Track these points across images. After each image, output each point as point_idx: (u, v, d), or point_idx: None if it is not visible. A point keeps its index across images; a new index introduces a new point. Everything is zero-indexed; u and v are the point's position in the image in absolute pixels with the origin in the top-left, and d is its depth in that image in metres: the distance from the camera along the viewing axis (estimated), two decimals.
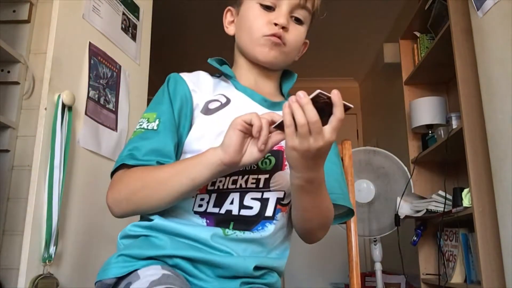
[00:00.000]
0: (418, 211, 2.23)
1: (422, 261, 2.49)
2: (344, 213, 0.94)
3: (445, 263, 2.24)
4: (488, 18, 1.57)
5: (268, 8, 0.89)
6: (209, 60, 0.97)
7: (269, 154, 0.83)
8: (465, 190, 1.95)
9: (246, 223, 0.81)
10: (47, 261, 1.27)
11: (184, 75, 0.91)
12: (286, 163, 0.81)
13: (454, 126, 2.14)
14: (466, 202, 1.91)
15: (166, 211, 0.81)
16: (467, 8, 1.74)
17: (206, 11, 3.22)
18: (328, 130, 0.66)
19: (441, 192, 2.11)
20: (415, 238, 2.44)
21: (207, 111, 0.86)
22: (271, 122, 0.72)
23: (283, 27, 0.87)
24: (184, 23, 3.61)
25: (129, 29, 1.83)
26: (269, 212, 0.82)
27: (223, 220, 0.80)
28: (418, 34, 2.58)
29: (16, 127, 1.37)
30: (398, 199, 2.32)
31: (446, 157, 2.17)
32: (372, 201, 2.47)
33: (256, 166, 0.82)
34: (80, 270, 1.42)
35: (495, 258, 1.73)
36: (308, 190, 0.76)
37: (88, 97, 1.51)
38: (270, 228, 0.82)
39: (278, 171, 0.83)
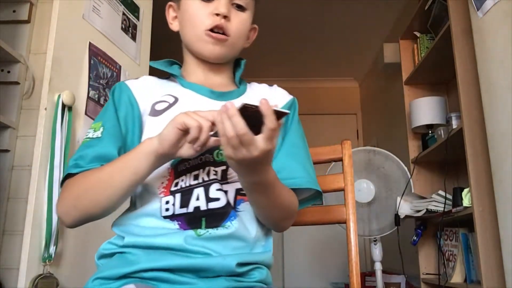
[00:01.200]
0: (418, 211, 2.23)
1: (422, 261, 2.49)
2: (312, 196, 0.91)
3: (445, 263, 2.24)
4: (488, 18, 1.57)
5: (208, 0, 0.87)
6: (151, 63, 0.97)
7: None
8: (465, 190, 1.95)
9: (217, 216, 0.79)
10: (47, 261, 1.28)
11: (129, 82, 0.91)
12: None
13: (454, 126, 2.14)
14: (466, 202, 1.91)
15: (136, 224, 0.80)
16: (467, 8, 1.74)
17: None
18: (261, 140, 0.63)
19: (441, 192, 2.11)
20: (415, 238, 2.44)
21: (155, 112, 0.86)
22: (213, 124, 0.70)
23: (224, 17, 0.86)
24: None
25: (129, 29, 1.83)
26: (232, 202, 0.81)
27: (194, 219, 0.78)
28: (418, 34, 2.58)
29: (16, 127, 1.37)
30: (398, 199, 2.32)
31: (446, 157, 2.17)
32: (372, 201, 2.47)
33: (212, 159, 0.82)
34: (80, 270, 1.42)
35: (495, 258, 1.73)
36: (257, 190, 0.76)
37: (88, 97, 1.51)
38: (241, 219, 0.80)
39: None
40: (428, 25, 2.47)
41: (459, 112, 1.98)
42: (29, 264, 1.24)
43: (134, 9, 1.88)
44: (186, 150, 0.73)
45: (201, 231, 0.77)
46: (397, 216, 2.30)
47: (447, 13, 2.06)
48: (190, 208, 0.78)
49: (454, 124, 2.16)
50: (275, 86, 0.99)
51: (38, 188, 1.28)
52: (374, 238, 2.49)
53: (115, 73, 1.68)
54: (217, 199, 0.79)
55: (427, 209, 2.15)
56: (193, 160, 0.81)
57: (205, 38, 0.87)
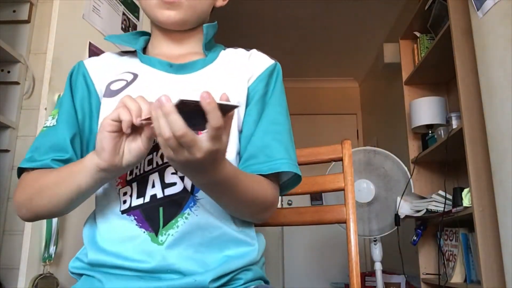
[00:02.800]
0: (418, 211, 2.23)
1: (422, 261, 2.49)
2: (291, 180, 0.79)
3: (445, 263, 2.24)
4: (488, 18, 1.57)
5: None
6: (106, 37, 0.87)
7: None
8: (465, 190, 1.95)
9: (175, 203, 0.70)
10: (47, 261, 1.28)
11: (87, 61, 0.84)
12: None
13: (454, 126, 2.14)
14: (466, 202, 1.91)
15: (98, 228, 0.73)
16: (467, 8, 1.74)
17: None
18: (205, 140, 0.53)
19: (441, 192, 2.11)
20: (415, 238, 2.44)
21: (110, 93, 0.78)
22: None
23: None
24: None
25: (129, 29, 1.83)
26: (188, 186, 0.71)
27: (151, 210, 0.70)
28: (418, 34, 2.58)
29: (16, 127, 1.37)
30: (398, 199, 2.32)
31: (446, 157, 2.17)
32: (372, 201, 2.47)
33: None
34: None
35: (495, 258, 1.73)
36: (213, 191, 0.66)
37: None
38: (203, 205, 0.70)
39: None
40: (428, 25, 2.47)
41: (459, 112, 1.99)
42: (29, 264, 1.24)
43: (134, 9, 1.88)
44: (131, 155, 0.62)
45: (162, 238, 0.69)
46: (397, 216, 2.31)
47: (447, 13, 2.06)
48: (147, 198, 0.71)
49: (454, 124, 2.16)
50: (253, 50, 0.86)
51: None
52: (374, 238, 2.49)
53: None
54: (173, 184, 0.70)
55: (427, 209, 2.15)
56: None
57: (155, 2, 0.77)
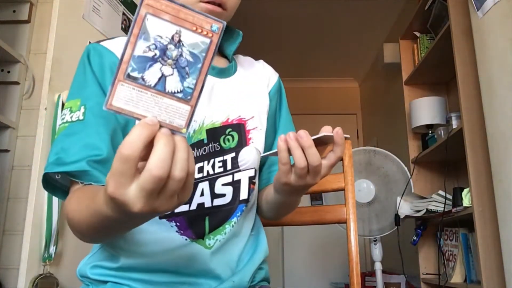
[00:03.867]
0: (418, 211, 2.23)
1: (422, 260, 2.49)
2: None
3: (445, 263, 2.24)
4: (488, 18, 1.57)
5: None
6: None
7: (230, 129, 0.75)
8: (465, 190, 1.95)
9: (222, 214, 0.72)
10: (47, 261, 1.27)
11: (108, 44, 0.74)
12: (250, 137, 0.76)
13: (454, 126, 2.14)
14: (466, 202, 1.91)
15: (130, 234, 0.69)
16: (467, 8, 1.74)
17: None
18: (326, 165, 0.61)
19: (441, 192, 2.11)
20: (415, 238, 2.44)
21: None
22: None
23: None
24: None
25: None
26: (243, 194, 0.74)
27: (196, 218, 0.70)
28: (418, 34, 2.58)
29: (16, 127, 1.37)
30: (398, 199, 2.32)
31: (446, 157, 2.16)
32: (372, 201, 2.47)
33: (219, 147, 0.73)
34: None
35: (495, 258, 1.73)
36: (290, 204, 0.75)
37: None
38: (246, 212, 0.76)
39: (243, 147, 0.75)
40: (428, 25, 2.47)
41: (459, 112, 1.98)
42: (29, 264, 1.24)
43: (134, 9, 1.88)
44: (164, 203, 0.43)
45: (210, 242, 0.70)
46: (397, 216, 2.30)
47: (447, 13, 2.06)
48: (193, 205, 0.70)
49: (454, 124, 2.16)
50: (262, 62, 0.91)
51: (38, 188, 1.28)
52: (374, 238, 2.49)
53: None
54: (223, 195, 0.72)
55: (427, 209, 2.15)
56: (196, 151, 0.71)
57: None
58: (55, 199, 1.29)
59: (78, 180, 0.62)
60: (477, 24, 1.64)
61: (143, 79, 0.41)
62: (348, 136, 0.62)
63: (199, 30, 0.43)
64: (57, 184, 0.68)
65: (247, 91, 0.81)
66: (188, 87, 0.43)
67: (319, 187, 1.09)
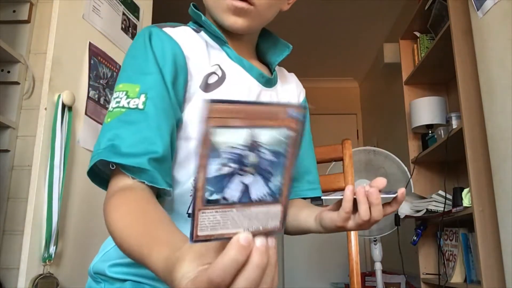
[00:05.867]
0: (418, 211, 2.23)
1: (422, 260, 2.49)
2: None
3: (445, 263, 2.24)
4: (488, 18, 1.57)
5: None
6: (190, 11, 0.77)
7: None
8: (465, 190, 1.95)
9: None
10: (47, 261, 1.27)
11: (170, 31, 0.69)
12: None
13: (454, 126, 2.14)
14: (466, 202, 1.91)
15: None
16: (467, 8, 1.74)
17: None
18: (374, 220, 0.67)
19: (441, 192, 2.11)
20: (415, 238, 2.44)
21: (206, 87, 0.68)
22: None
23: None
24: (184, 23, 3.60)
25: (129, 29, 1.82)
26: None
27: None
28: (418, 34, 2.58)
29: (16, 127, 1.37)
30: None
31: (446, 157, 2.16)
32: None
33: None
34: (80, 270, 1.42)
35: (495, 258, 1.73)
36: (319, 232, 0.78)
37: (88, 97, 1.51)
38: None
39: None
40: (428, 25, 2.47)
41: (459, 112, 1.98)
42: (29, 264, 1.23)
43: (134, 9, 1.88)
44: None
45: None
46: (397, 216, 2.30)
47: (447, 13, 2.06)
48: None
49: (454, 124, 2.16)
50: (294, 76, 0.91)
51: (38, 188, 1.28)
52: (374, 238, 2.49)
53: (115, 73, 1.68)
54: None
55: (427, 209, 2.15)
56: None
57: (225, 6, 0.71)
58: (55, 199, 1.29)
59: (132, 175, 0.57)
60: (477, 24, 1.64)
61: (224, 199, 0.36)
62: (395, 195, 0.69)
63: (275, 123, 0.36)
64: (96, 169, 0.62)
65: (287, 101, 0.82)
66: (275, 187, 0.38)
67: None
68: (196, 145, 0.59)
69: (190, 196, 0.67)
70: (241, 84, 0.72)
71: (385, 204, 0.67)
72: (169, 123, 0.61)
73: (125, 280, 0.68)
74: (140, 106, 0.59)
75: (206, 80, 0.68)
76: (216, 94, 0.68)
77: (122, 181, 0.58)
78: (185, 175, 0.66)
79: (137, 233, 0.50)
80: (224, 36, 0.74)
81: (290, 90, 0.86)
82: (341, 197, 0.66)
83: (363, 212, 0.64)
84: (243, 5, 0.70)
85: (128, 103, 0.60)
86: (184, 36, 0.70)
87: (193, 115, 0.66)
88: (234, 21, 0.72)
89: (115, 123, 0.59)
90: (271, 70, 0.81)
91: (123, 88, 0.62)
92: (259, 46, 0.84)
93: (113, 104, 0.61)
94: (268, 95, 0.77)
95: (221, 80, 0.70)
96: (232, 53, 0.74)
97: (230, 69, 0.72)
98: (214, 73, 0.70)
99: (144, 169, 0.57)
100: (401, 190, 0.65)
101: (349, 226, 0.67)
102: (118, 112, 0.60)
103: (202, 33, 0.74)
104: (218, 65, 0.71)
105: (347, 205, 0.65)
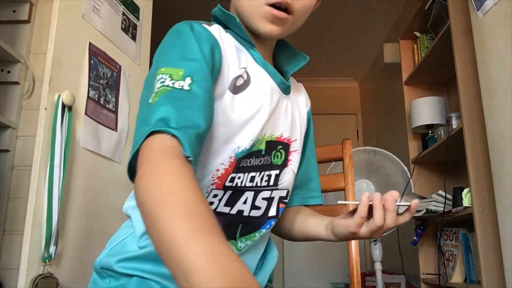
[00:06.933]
0: (418, 211, 2.22)
1: (422, 261, 2.49)
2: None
3: (445, 263, 2.24)
4: (488, 18, 1.57)
5: None
6: (216, 12, 0.76)
7: (281, 146, 0.76)
8: (465, 190, 1.95)
9: (253, 225, 0.74)
10: (47, 261, 1.27)
11: (207, 27, 0.69)
12: (290, 158, 0.79)
13: (454, 126, 2.14)
14: (466, 202, 1.91)
15: None
16: (467, 8, 1.74)
17: (206, 11, 3.22)
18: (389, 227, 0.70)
19: (441, 192, 2.11)
20: (415, 238, 2.44)
21: (234, 89, 0.68)
22: None
23: None
24: None
25: (129, 29, 1.82)
26: (272, 212, 0.76)
27: (233, 223, 0.71)
28: (418, 34, 2.58)
29: (16, 127, 1.37)
30: (398, 199, 2.32)
31: (446, 157, 2.17)
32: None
33: (270, 161, 0.74)
34: (80, 270, 1.42)
35: (495, 258, 1.73)
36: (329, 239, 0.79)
37: (88, 97, 1.51)
38: (273, 224, 0.79)
39: (284, 166, 0.77)
40: (428, 25, 2.47)
41: (459, 112, 1.99)
42: (29, 264, 1.23)
43: (134, 9, 1.88)
44: None
45: (241, 245, 0.73)
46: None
47: (447, 13, 2.06)
48: (234, 210, 0.71)
49: (454, 124, 2.16)
50: (302, 85, 0.92)
51: (38, 188, 1.28)
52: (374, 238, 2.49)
53: (115, 73, 1.68)
54: (259, 208, 0.74)
55: (427, 209, 2.15)
56: (254, 159, 0.71)
57: (264, 13, 0.70)
58: (55, 199, 1.29)
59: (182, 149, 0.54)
60: (477, 24, 1.64)
61: None
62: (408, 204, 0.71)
63: None
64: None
65: (296, 113, 0.82)
66: None
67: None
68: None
69: (206, 192, 0.68)
70: (265, 88, 0.73)
71: (398, 214, 0.69)
72: (211, 106, 0.61)
73: (131, 276, 0.68)
74: (186, 87, 0.57)
75: (234, 82, 0.69)
76: (242, 97, 0.69)
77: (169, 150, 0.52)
78: (204, 172, 0.67)
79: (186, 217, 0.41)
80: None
81: (300, 101, 0.87)
82: (357, 202, 0.69)
83: (378, 218, 0.66)
84: (283, 14, 0.70)
85: (173, 83, 0.58)
86: (220, 35, 0.70)
87: (222, 117, 0.66)
88: (271, 30, 0.72)
89: (163, 99, 0.56)
90: (285, 78, 0.82)
91: (166, 71, 0.59)
92: (275, 53, 0.84)
93: (157, 85, 0.58)
94: (285, 102, 0.78)
95: (247, 83, 0.71)
96: (258, 57, 0.74)
97: (255, 73, 0.72)
98: (241, 76, 0.70)
99: (191, 144, 0.53)
100: (415, 201, 0.67)
101: (361, 233, 0.70)
102: (164, 90, 0.57)
103: (229, 34, 0.74)
104: (245, 69, 0.71)
105: (363, 209, 0.67)
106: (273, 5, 0.69)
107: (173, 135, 0.51)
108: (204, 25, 0.69)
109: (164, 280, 0.67)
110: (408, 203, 0.68)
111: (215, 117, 0.65)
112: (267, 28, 0.71)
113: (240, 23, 0.73)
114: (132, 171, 0.52)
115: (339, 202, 0.74)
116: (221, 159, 0.67)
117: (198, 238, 0.38)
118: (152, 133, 0.51)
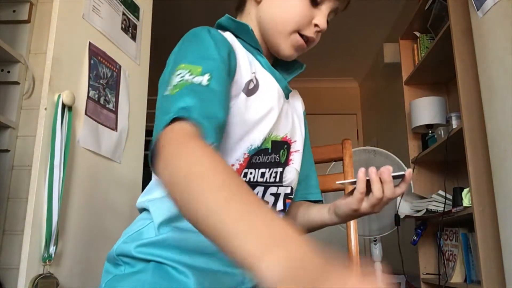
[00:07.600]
0: (418, 211, 2.23)
1: (422, 260, 2.49)
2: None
3: (445, 263, 2.24)
4: (488, 18, 1.57)
5: (315, 3, 0.78)
6: (225, 21, 0.79)
7: (286, 146, 0.81)
8: (465, 190, 1.95)
9: None
10: (47, 261, 1.27)
11: (225, 34, 0.74)
12: (291, 158, 0.83)
13: (454, 126, 2.14)
14: (466, 202, 1.91)
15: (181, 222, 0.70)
16: (467, 8, 1.74)
17: (206, 11, 3.22)
18: (388, 199, 0.72)
19: (441, 192, 2.11)
20: (415, 237, 2.44)
21: (248, 91, 0.72)
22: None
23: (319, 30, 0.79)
24: (184, 23, 3.60)
25: (129, 29, 1.82)
26: (279, 206, 0.79)
27: None
28: (418, 34, 2.58)
29: (16, 127, 1.37)
30: (398, 198, 2.32)
31: (446, 157, 2.17)
32: None
33: (278, 159, 0.78)
34: (80, 270, 1.42)
35: (495, 258, 1.73)
36: (333, 224, 0.82)
37: (88, 97, 1.51)
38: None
39: (286, 165, 0.81)
40: (428, 25, 2.47)
41: (459, 112, 1.98)
42: (29, 264, 1.23)
43: (134, 9, 1.88)
44: None
45: None
46: (397, 216, 2.30)
47: (447, 13, 2.06)
48: None
49: (454, 124, 2.16)
50: (298, 95, 0.96)
51: (38, 188, 1.28)
52: (374, 238, 2.49)
53: (115, 73, 1.68)
54: (267, 203, 0.77)
55: (427, 209, 2.15)
56: (264, 156, 0.75)
57: (291, 40, 0.78)
58: (55, 199, 1.29)
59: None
60: (477, 24, 1.64)
61: None
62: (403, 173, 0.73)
63: None
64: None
65: (295, 115, 0.88)
66: None
67: (319, 186, 1.08)
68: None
69: None
70: (273, 92, 0.78)
71: (395, 186, 0.71)
72: (228, 103, 0.65)
73: (149, 261, 0.69)
74: (204, 83, 0.60)
75: (247, 85, 0.73)
76: (254, 99, 0.73)
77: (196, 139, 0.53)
78: None
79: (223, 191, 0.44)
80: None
81: (297, 106, 0.92)
82: (355, 180, 0.72)
83: (377, 190, 0.69)
84: (305, 45, 0.80)
85: (192, 78, 0.60)
86: (233, 40, 0.75)
87: (236, 117, 0.70)
88: (292, 55, 0.81)
89: (184, 91, 0.58)
90: None
91: (185, 67, 0.62)
92: (274, 60, 0.89)
93: (177, 79, 0.60)
94: (285, 106, 0.83)
95: (256, 88, 0.75)
96: (266, 63, 0.79)
97: (263, 78, 0.77)
98: (251, 80, 0.74)
99: (213, 132, 0.56)
100: (408, 170, 0.70)
101: (363, 208, 0.72)
102: (184, 83, 0.59)
103: (238, 41, 0.78)
104: (254, 73, 0.76)
105: (361, 185, 0.70)
106: (302, 35, 0.78)
107: (196, 124, 0.53)
108: (218, 30, 0.74)
109: (182, 267, 0.68)
110: (402, 172, 0.71)
111: (231, 117, 0.68)
112: (290, 52, 0.80)
113: (252, 31, 0.77)
114: (152, 159, 0.53)
115: (338, 182, 0.77)
116: (237, 155, 0.71)
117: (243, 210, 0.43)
118: (173, 120, 0.53)
